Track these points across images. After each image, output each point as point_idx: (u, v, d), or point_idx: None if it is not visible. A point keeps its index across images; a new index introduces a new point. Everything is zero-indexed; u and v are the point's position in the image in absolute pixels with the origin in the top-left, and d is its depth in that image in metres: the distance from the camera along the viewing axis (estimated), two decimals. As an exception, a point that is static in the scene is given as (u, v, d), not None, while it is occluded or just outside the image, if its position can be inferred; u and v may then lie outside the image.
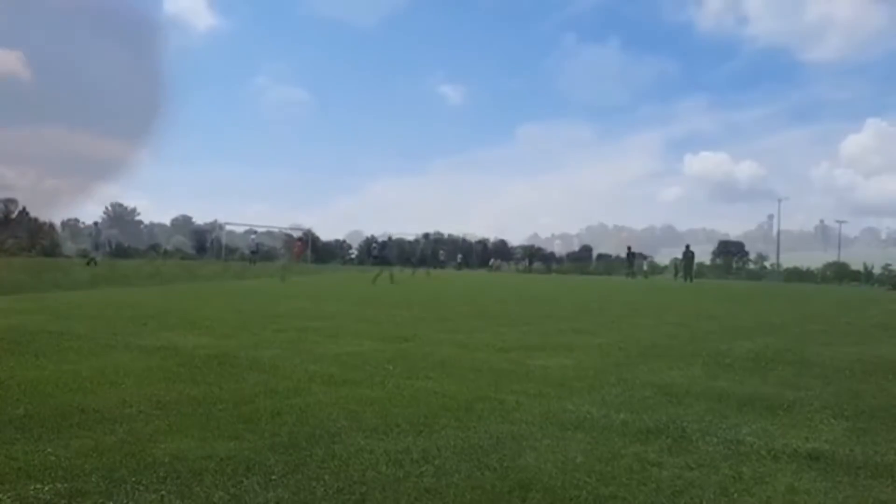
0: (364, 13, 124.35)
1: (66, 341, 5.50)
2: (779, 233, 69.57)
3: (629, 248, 45.14)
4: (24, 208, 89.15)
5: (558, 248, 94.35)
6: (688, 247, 38.05)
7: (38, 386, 3.83)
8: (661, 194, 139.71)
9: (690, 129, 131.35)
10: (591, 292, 19.17)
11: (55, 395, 3.64)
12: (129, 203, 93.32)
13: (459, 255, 73.21)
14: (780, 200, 73.21)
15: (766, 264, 63.83)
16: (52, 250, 54.83)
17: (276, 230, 61.08)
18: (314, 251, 60.58)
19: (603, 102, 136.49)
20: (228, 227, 57.70)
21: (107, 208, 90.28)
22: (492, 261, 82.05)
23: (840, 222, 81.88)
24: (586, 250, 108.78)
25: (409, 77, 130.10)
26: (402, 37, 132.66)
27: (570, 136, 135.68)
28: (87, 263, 23.83)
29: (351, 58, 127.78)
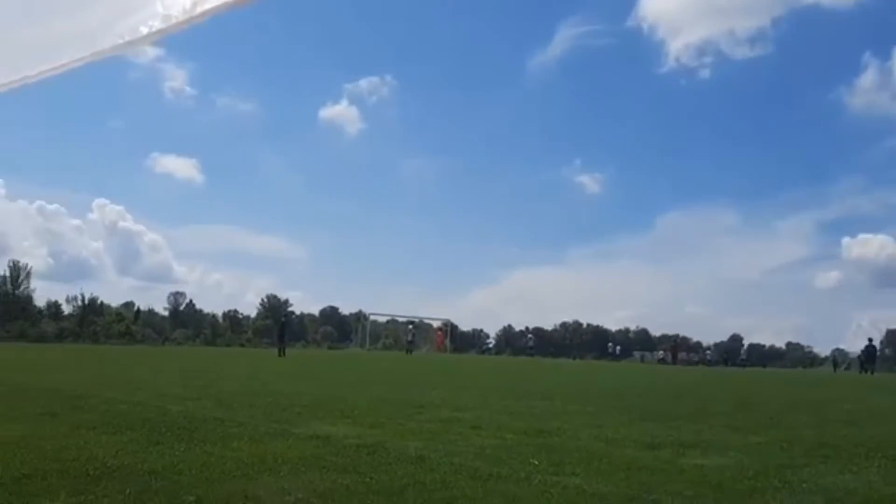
0: (496, 104, 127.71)
1: (229, 428, 5.86)
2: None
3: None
4: (190, 300, 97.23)
5: (705, 338, 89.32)
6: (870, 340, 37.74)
7: (205, 471, 4.10)
8: (817, 280, 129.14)
9: (846, 211, 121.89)
10: (743, 385, 17.97)
11: (221, 480, 3.89)
12: (282, 295, 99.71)
13: (610, 346, 71.37)
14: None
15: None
16: (214, 340, 59.14)
17: (417, 320, 62.46)
18: (453, 340, 61.36)
19: (748, 187, 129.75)
20: (372, 318, 60.29)
21: (262, 300, 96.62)
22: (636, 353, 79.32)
23: None
24: (736, 339, 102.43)
25: (546, 166, 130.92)
26: (538, 125, 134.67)
27: (713, 223, 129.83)
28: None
29: (487, 148, 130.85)
